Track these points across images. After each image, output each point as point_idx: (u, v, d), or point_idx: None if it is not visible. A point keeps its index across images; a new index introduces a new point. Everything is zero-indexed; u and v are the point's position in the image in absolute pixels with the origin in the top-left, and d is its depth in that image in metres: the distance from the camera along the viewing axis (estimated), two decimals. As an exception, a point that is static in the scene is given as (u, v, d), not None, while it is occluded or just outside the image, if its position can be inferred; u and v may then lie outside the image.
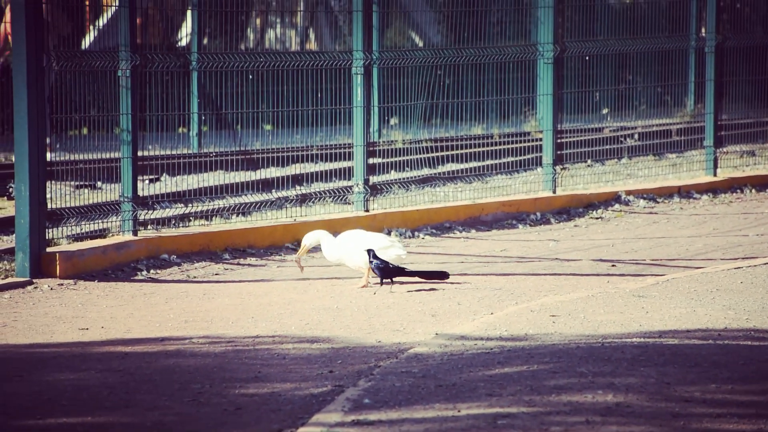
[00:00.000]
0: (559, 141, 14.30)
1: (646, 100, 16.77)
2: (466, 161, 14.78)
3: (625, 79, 16.30)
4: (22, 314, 9.09)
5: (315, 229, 12.34)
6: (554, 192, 14.16)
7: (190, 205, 12.26)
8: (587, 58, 15.46)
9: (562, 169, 14.41)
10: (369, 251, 9.69)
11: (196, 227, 11.87)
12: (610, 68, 15.84)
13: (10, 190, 11.15)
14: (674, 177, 15.59)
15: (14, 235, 10.41)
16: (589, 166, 15.44)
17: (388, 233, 12.56)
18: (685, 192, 15.06)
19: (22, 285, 10.05)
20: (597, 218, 13.82)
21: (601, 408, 5.99)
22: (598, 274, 10.51)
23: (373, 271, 9.71)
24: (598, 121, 16.24)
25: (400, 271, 9.72)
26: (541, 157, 14.29)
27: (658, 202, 14.62)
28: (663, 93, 16.87)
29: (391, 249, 9.88)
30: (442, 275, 9.84)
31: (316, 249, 10.38)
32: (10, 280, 10.14)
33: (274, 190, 13.15)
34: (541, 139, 14.34)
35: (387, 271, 9.69)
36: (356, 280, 10.15)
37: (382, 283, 9.77)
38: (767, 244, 12.06)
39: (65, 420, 6.21)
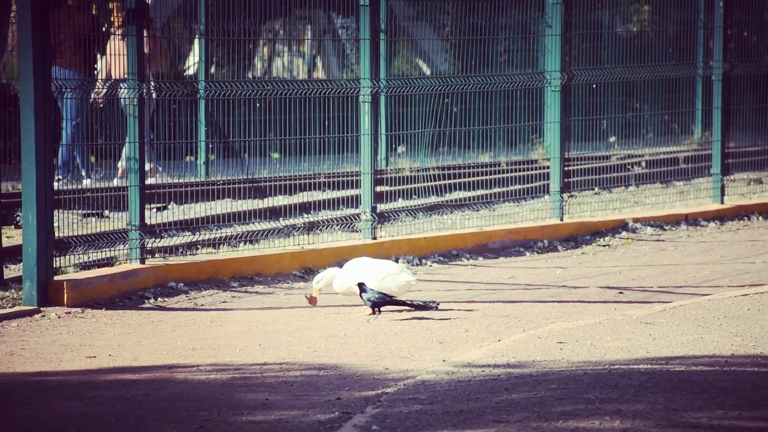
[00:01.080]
0: (566, 168, 14.31)
1: (653, 128, 16.79)
2: (474, 189, 14.79)
3: (632, 107, 16.33)
4: (30, 342, 9.10)
5: (323, 256, 12.36)
6: (561, 219, 14.17)
7: (198, 233, 12.27)
8: (594, 86, 15.49)
9: (569, 197, 14.42)
10: (360, 284, 9.72)
11: (204, 255, 11.88)
12: (617, 96, 15.87)
13: (18, 218, 11.18)
14: (681, 204, 15.59)
15: (21, 263, 10.43)
16: (596, 193, 15.45)
17: (396, 261, 12.56)
18: (693, 219, 15.06)
19: (29, 313, 10.06)
20: (604, 245, 13.82)
21: (608, 434, 5.98)
22: (605, 301, 10.51)
23: (364, 302, 9.75)
24: (606, 148, 16.26)
25: (391, 302, 9.75)
26: (548, 184, 14.30)
27: (665, 230, 14.62)
28: (670, 121, 16.89)
29: (400, 275, 9.89)
30: (429, 306, 9.82)
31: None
32: (17, 308, 10.15)
33: (281, 218, 13.17)
34: (548, 167, 14.36)
35: (377, 303, 9.73)
36: (364, 307, 10.15)
37: (373, 312, 9.78)
38: (775, 271, 12.05)
39: (72, 447, 6.21)
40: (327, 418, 6.69)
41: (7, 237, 12.42)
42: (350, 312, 10.11)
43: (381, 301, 9.74)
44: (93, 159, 13.60)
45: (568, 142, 14.50)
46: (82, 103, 12.76)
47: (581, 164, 15.36)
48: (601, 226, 14.34)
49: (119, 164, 13.05)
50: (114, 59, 12.60)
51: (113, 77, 12.42)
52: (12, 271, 11.19)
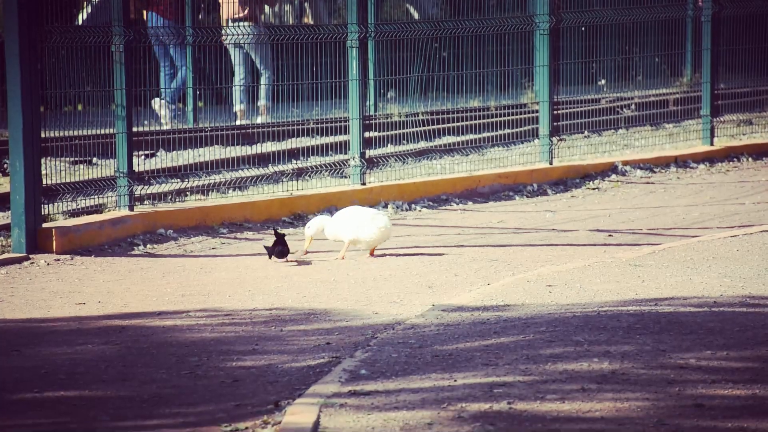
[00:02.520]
0: (555, 112, 14.27)
1: (643, 71, 16.74)
2: (463, 134, 14.76)
3: (622, 50, 16.28)
4: (19, 289, 9.09)
5: (312, 203, 12.35)
6: (551, 163, 14.15)
7: (187, 180, 12.24)
8: (583, 29, 15.42)
9: (558, 141, 14.40)
10: (268, 249, 9.81)
11: (193, 202, 11.86)
12: (607, 39, 15.81)
13: (5, 165, 11.15)
14: (671, 147, 15.58)
15: (10, 210, 10.41)
16: (586, 137, 15.43)
17: (385, 206, 12.56)
18: (682, 161, 15.05)
19: (18, 261, 10.05)
20: (594, 189, 13.82)
21: (596, 376, 6.00)
22: (594, 244, 10.52)
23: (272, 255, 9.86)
24: (595, 91, 16.22)
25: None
26: (537, 128, 14.28)
27: (654, 172, 14.62)
28: (660, 63, 16.84)
29: (374, 221, 9.86)
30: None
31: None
32: (6, 255, 10.14)
33: (270, 165, 13.14)
34: (537, 111, 14.33)
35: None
36: (353, 253, 10.15)
37: (270, 257, 9.85)
38: (764, 212, 12.06)
39: (63, 393, 6.22)
40: (316, 362, 6.70)
41: (-4, 185, 12.39)
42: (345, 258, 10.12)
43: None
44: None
45: (557, 85, 14.45)
46: (183, 49, 13.13)
47: (571, 108, 15.33)
48: (591, 169, 14.33)
49: (235, 108, 13.50)
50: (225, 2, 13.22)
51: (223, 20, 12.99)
52: (0, 218, 11.17)
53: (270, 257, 9.89)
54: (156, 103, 14.19)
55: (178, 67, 14.67)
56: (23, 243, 10.21)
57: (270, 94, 14.52)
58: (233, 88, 14.15)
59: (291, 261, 9.91)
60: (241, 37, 13.10)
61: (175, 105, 14.53)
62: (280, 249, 9.82)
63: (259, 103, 14.45)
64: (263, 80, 14.80)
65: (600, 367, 6.13)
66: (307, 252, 10.03)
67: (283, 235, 9.98)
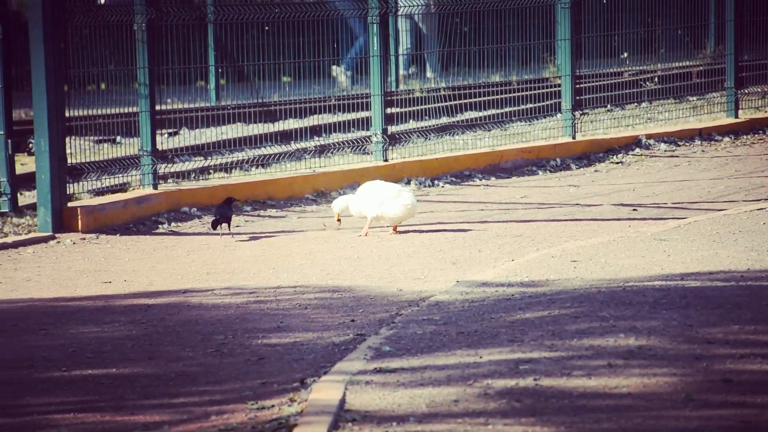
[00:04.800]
0: (578, 86, 14.22)
1: (666, 43, 16.66)
2: (485, 109, 14.72)
3: (644, 23, 16.19)
4: (46, 268, 9.13)
5: (334, 179, 12.35)
6: (574, 137, 14.11)
7: (210, 158, 12.26)
8: (605, 1, 15.34)
9: (581, 115, 14.35)
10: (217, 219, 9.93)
11: (216, 180, 11.88)
12: (629, 12, 15.73)
13: (30, 145, 11.18)
14: (695, 120, 15.51)
15: (36, 190, 10.44)
16: (609, 110, 15.37)
17: (408, 183, 12.55)
18: (707, 134, 14.99)
19: (44, 240, 10.09)
20: (617, 163, 13.78)
21: (623, 351, 5.99)
22: (619, 219, 10.49)
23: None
24: (618, 65, 16.15)
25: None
26: (560, 103, 14.24)
27: (679, 146, 14.56)
28: (683, 35, 16.75)
29: (398, 199, 9.84)
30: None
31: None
32: (32, 234, 10.18)
33: (293, 142, 13.14)
34: (560, 85, 14.28)
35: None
36: (377, 230, 10.15)
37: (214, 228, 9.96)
38: (789, 186, 12.01)
39: (90, 372, 6.25)
40: (341, 340, 6.71)
41: (21, 164, 12.42)
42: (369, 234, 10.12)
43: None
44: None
45: (579, 59, 14.39)
46: (361, 21, 13.59)
47: (593, 81, 15.26)
48: (614, 143, 14.28)
49: (336, 70, 14.17)
50: None
51: None
52: (26, 198, 11.21)
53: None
54: (335, 70, 14.53)
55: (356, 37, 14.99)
56: (49, 222, 10.25)
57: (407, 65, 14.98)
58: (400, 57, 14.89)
59: (227, 234, 10.01)
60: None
61: (351, 72, 14.78)
62: (214, 218, 9.95)
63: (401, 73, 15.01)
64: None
65: (626, 343, 6.12)
66: (339, 227, 10.11)
67: (231, 200, 10.04)
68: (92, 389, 5.97)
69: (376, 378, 5.77)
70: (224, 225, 9.97)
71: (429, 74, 14.53)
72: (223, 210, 9.96)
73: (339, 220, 10.09)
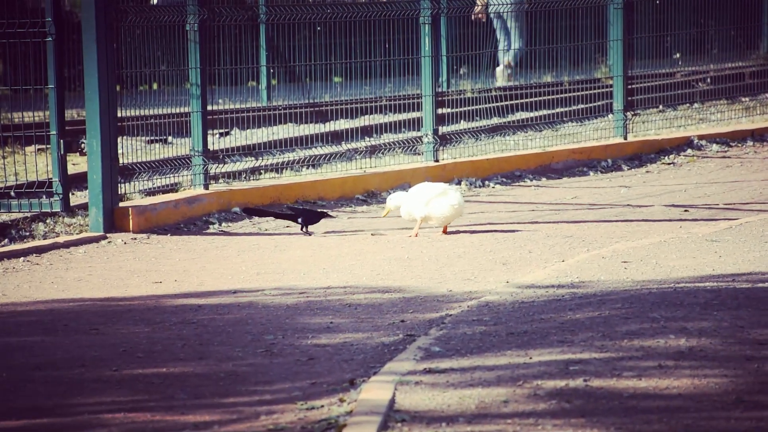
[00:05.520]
0: (629, 87, 14.16)
1: (718, 44, 16.54)
2: (536, 109, 14.69)
3: (696, 23, 16.09)
4: (97, 268, 9.19)
5: (385, 180, 12.35)
6: (625, 138, 14.05)
7: (261, 158, 12.30)
8: (658, 1, 15.27)
9: (633, 115, 14.28)
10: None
11: (267, 180, 11.92)
12: (681, 12, 15.63)
13: (82, 145, 11.27)
14: (747, 120, 15.39)
15: (87, 190, 10.52)
16: (660, 111, 15.29)
17: (458, 183, 12.54)
18: (759, 135, 14.87)
19: (96, 239, 10.16)
20: (669, 164, 13.70)
21: (673, 352, 5.96)
22: (670, 220, 10.43)
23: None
24: (670, 65, 16.06)
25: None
26: (611, 103, 14.18)
27: (731, 146, 14.46)
28: (735, 36, 16.63)
29: (446, 198, 9.83)
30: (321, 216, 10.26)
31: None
32: (84, 234, 10.26)
33: (343, 142, 13.16)
34: (611, 86, 14.22)
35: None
36: (426, 231, 10.15)
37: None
38: (843, 187, 11.90)
39: (141, 371, 6.29)
40: (391, 340, 6.71)
41: (73, 164, 12.52)
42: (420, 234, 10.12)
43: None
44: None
45: (631, 60, 14.32)
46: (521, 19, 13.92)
47: (645, 82, 15.19)
48: (666, 143, 14.20)
49: (498, 70, 14.13)
50: None
51: None
52: (78, 197, 11.29)
53: None
54: (499, 69, 14.88)
55: (508, 36, 15.17)
56: (100, 222, 10.32)
57: (518, 60, 15.13)
58: (499, 52, 15.11)
59: (306, 234, 10.26)
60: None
61: (512, 68, 14.93)
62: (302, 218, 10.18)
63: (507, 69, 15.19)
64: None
65: (677, 344, 6.08)
66: (386, 215, 10.18)
67: (323, 213, 10.27)
68: (143, 389, 6.01)
69: (425, 378, 5.76)
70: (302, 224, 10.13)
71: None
72: (308, 213, 10.12)
73: (388, 214, 10.12)
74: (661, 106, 15.35)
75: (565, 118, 14.61)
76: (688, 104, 15.84)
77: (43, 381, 6.14)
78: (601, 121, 14.47)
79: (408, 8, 12.81)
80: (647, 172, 13.33)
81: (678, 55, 16.18)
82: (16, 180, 11.17)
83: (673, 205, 11.22)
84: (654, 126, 14.74)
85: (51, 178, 10.54)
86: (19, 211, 10.42)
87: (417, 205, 9.83)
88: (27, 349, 6.77)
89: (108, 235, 10.27)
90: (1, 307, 7.93)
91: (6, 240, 10.17)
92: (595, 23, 14.68)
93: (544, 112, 14.58)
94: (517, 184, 12.77)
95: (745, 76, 16.49)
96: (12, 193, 10.91)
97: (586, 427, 5.09)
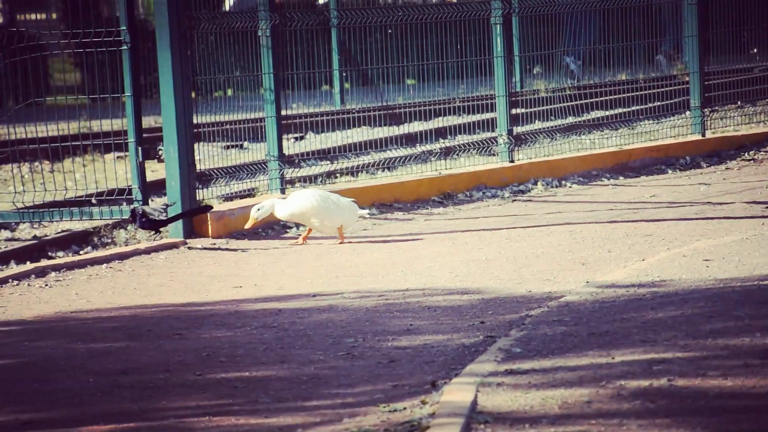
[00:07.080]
0: (706, 83, 14.02)
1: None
2: (612, 108, 14.59)
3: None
4: (178, 274, 9.26)
5: (460, 181, 12.33)
6: (703, 135, 13.91)
7: (336, 161, 12.33)
8: (733, -3, 15.10)
9: (710, 112, 14.14)
10: (135, 214, 10.06)
11: (343, 183, 11.94)
12: (758, 6, 15.46)
13: (160, 152, 11.36)
14: (828, 115, 15.17)
15: (166, 196, 10.60)
16: (739, 107, 15.12)
17: (534, 183, 12.49)
18: (841, 129, 14.65)
19: (175, 245, 10.24)
20: (749, 160, 13.54)
21: (759, 351, 5.88)
22: (752, 217, 10.31)
23: (141, 227, 10.10)
24: (747, 61, 15.88)
25: (162, 223, 10.12)
26: (688, 100, 14.04)
27: (813, 141, 14.26)
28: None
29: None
30: (204, 209, 10.21)
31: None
32: (164, 240, 10.34)
33: (418, 144, 13.16)
34: (688, 82, 14.09)
35: (153, 223, 10.13)
36: (505, 231, 10.10)
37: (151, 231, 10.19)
38: None
39: (224, 375, 6.32)
40: (471, 342, 6.69)
41: (152, 171, 12.63)
42: (490, 236, 10.09)
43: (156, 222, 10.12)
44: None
45: (707, 55, 14.18)
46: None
47: (722, 78, 15.03)
48: (746, 140, 14.04)
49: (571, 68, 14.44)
50: None
51: None
52: (157, 204, 11.37)
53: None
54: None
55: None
56: (180, 228, 10.39)
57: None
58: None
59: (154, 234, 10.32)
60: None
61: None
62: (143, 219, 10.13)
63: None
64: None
65: (763, 342, 6.00)
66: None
67: (163, 207, 10.19)
68: (226, 393, 6.04)
69: (507, 379, 5.74)
70: None
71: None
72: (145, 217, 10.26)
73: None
74: (739, 102, 15.18)
75: (641, 116, 14.49)
76: (767, 100, 15.65)
77: (129, 386, 6.20)
78: (678, 119, 14.34)
79: (479, 9, 12.78)
80: (727, 168, 13.19)
81: (755, 50, 15.99)
82: (97, 187, 11.29)
83: (755, 202, 11.08)
84: (732, 122, 14.58)
85: (130, 185, 10.64)
86: (101, 218, 10.52)
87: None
88: (112, 355, 6.84)
89: (188, 240, 10.34)
90: (86, 314, 8.02)
91: (89, 247, 10.28)
92: (671, 20, 14.55)
93: (620, 110, 14.48)
94: (594, 183, 12.69)
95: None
96: (93, 201, 11.03)
97: (671, 427, 5.04)
